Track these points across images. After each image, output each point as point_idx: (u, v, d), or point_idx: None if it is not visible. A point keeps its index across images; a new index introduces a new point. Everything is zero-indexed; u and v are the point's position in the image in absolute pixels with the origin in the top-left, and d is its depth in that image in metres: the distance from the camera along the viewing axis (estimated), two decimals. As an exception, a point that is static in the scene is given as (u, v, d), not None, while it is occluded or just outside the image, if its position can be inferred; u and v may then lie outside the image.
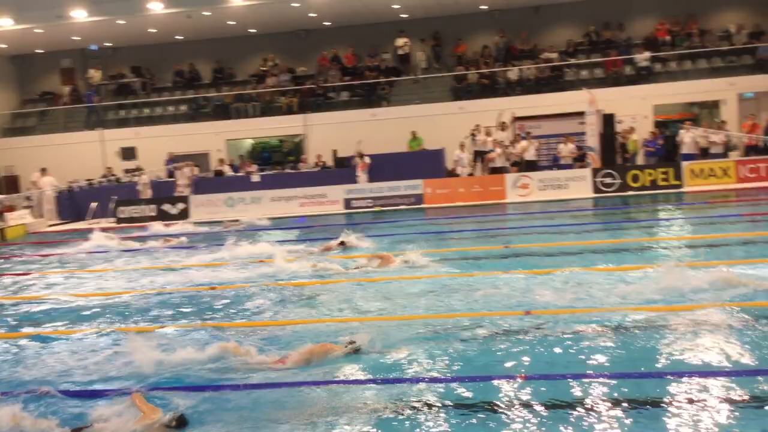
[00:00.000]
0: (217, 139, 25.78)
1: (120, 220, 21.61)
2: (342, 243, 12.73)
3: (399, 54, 27.15)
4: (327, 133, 24.20)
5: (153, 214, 21.55)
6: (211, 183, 23.12)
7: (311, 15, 25.48)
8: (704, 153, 20.58)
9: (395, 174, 20.74)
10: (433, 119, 23.41)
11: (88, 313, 9.45)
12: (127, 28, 25.75)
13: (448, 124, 23.03)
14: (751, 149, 20.32)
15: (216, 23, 25.73)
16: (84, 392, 6.25)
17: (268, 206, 20.88)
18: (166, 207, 21.66)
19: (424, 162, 21.76)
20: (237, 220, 18.81)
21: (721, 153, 20.51)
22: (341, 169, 22.25)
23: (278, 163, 26.34)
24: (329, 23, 26.95)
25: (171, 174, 23.70)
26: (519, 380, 5.84)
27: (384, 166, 21.09)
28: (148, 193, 22.80)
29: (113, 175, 25.15)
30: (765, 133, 19.99)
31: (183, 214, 21.29)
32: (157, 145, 25.16)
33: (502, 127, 22.39)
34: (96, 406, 5.74)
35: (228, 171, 23.99)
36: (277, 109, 26.41)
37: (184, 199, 21.89)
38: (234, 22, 25.94)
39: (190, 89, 28.43)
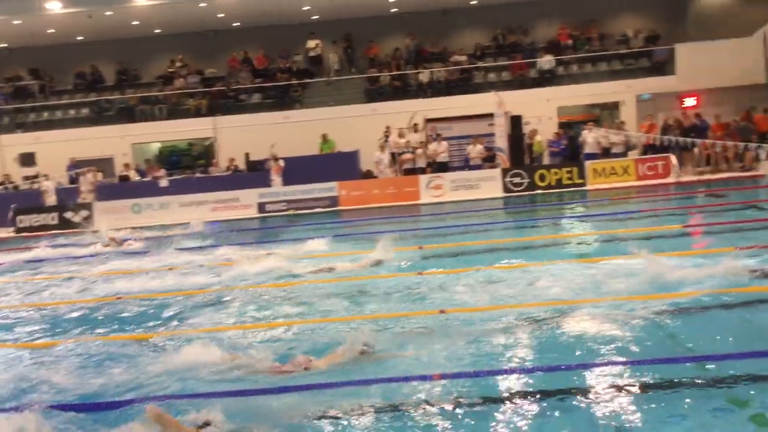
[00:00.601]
0: (122, 143, 24.84)
1: (19, 230, 20.48)
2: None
3: (311, 56, 27.02)
4: (239, 136, 23.75)
5: (55, 222, 20.55)
6: (117, 189, 22.26)
7: (219, 15, 25.00)
8: (606, 152, 21.51)
9: (310, 177, 20.59)
10: (346, 121, 23.40)
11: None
12: (24, 29, 24.50)
13: (361, 125, 23.09)
14: (649, 148, 21.37)
15: (119, 23, 24.82)
16: (90, 405, 5.88)
17: (178, 212, 20.29)
18: (69, 215, 20.69)
19: (338, 164, 21.73)
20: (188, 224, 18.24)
21: (621, 152, 21.50)
22: (254, 173, 21.91)
23: (188, 167, 25.63)
24: (239, 24, 26.51)
25: (73, 180, 22.65)
26: (434, 380, 5.90)
27: (298, 169, 20.90)
28: (51, 201, 21.69)
29: (11, 182, 23.80)
30: (662, 133, 21.04)
31: (86, 222, 20.37)
32: (58, 150, 23.94)
33: (415, 128, 22.67)
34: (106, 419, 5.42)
35: (134, 176, 23.17)
36: (186, 112, 25.74)
37: (87, 206, 20.97)
38: (138, 22, 25.10)
39: (92, 92, 27.30)
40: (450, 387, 5.76)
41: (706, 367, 5.99)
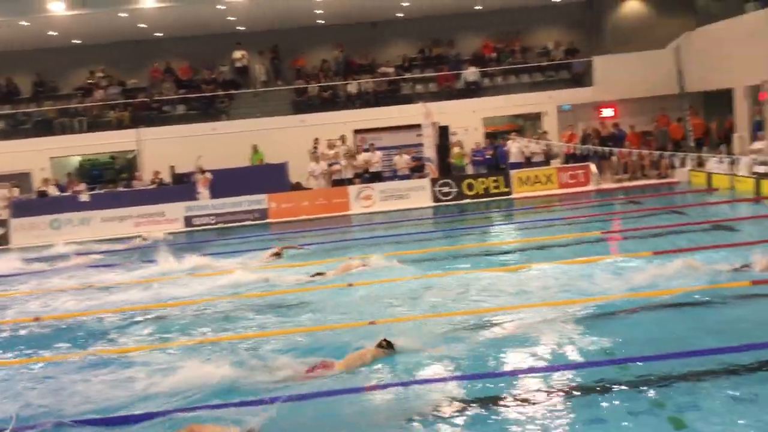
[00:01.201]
0: (40, 156, 23.84)
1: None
2: (277, 254, 12.90)
3: (237, 67, 26.70)
4: (163, 148, 23.16)
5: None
6: (35, 204, 21.34)
7: (141, 25, 24.39)
8: (529, 162, 22.10)
9: (238, 189, 20.31)
10: (274, 132, 23.21)
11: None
12: (-70, 38, 23.26)
13: (289, 137, 22.95)
14: (570, 157, 22.07)
15: (35, 34, 23.87)
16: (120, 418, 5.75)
17: (99, 227, 19.68)
18: (-18, 232, 19.72)
19: (267, 176, 21.52)
20: (139, 236, 17.84)
21: (543, 161, 22.13)
22: (180, 186, 21.44)
23: (110, 181, 24.85)
24: (161, 34, 25.94)
25: (-13, 196, 21.58)
26: (366, 391, 5.90)
27: (226, 182, 20.57)
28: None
29: None
30: (581, 143, 21.77)
31: (2, 240, 19.47)
32: (-30, 165, 22.79)
33: (342, 139, 22.68)
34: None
35: (53, 191, 22.26)
36: (107, 124, 24.97)
37: (2, 223, 20.03)
38: (56, 33, 24.20)
39: (7, 104, 26.11)
40: (382, 396, 5.79)
41: (627, 369, 6.21)
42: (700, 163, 19.61)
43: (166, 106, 25.66)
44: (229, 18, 24.30)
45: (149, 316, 9.42)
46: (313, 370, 6.36)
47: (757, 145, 18.90)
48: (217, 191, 20.49)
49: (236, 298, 10.06)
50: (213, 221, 20.09)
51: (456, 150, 22.55)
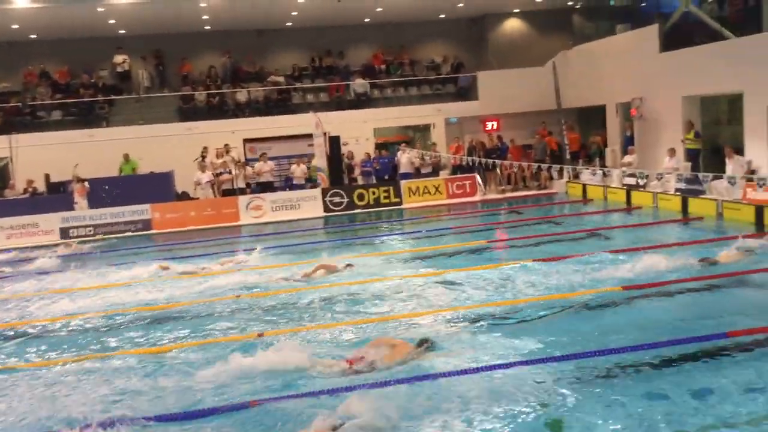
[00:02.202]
0: None
1: None
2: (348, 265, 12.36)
3: (118, 71, 25.61)
4: (38, 155, 21.74)
5: None
6: None
7: (14, 26, 22.90)
8: (418, 172, 22.55)
9: (120, 199, 19.42)
10: (159, 140, 22.40)
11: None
12: None
13: (175, 145, 22.23)
14: (457, 168, 22.71)
15: None
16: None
17: (-35, 240, 18.23)
18: None
19: (151, 185, 20.67)
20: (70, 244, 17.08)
21: (432, 172, 22.66)
22: (56, 195, 20.25)
23: (-21, 190, 23.06)
24: (35, 36, 24.48)
25: None
26: (251, 407, 5.82)
27: (106, 191, 19.63)
28: None
29: None
30: (467, 154, 22.45)
31: None
32: None
33: (227, 148, 22.18)
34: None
35: None
36: (-26, 130, 23.22)
37: None
38: None
39: None
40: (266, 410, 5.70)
41: (510, 373, 6.44)
42: (576, 175, 20.72)
43: (40, 111, 24.19)
44: (110, 21, 23.27)
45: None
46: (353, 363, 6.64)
47: (628, 158, 20.22)
48: (96, 201, 19.51)
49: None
50: (91, 233, 19.10)
51: (310, 165, 22.33)
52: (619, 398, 5.80)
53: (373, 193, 20.98)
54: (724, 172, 15.70)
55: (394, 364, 6.55)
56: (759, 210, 13.63)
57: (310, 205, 20.55)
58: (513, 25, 28.09)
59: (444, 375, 6.31)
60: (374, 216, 19.68)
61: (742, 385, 5.90)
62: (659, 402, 5.71)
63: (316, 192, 20.85)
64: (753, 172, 15.35)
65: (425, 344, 6.94)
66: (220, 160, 21.62)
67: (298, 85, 26.17)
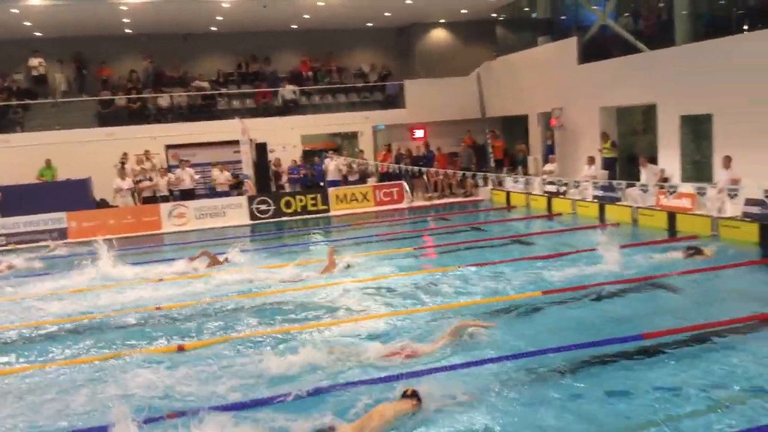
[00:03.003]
0: None
1: None
2: (226, 259, 13.12)
3: (33, 75, 24.56)
4: (-55, 161, 20.64)
5: None
6: None
7: None
8: (346, 180, 22.54)
9: (35, 207, 18.58)
10: (76, 146, 21.55)
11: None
12: None
13: (94, 151, 21.45)
14: (384, 176, 22.81)
15: None
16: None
17: None
18: None
19: (67, 193, 19.84)
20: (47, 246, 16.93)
21: (359, 180, 22.70)
22: (-36, 203, 19.20)
23: None
24: (-58, 36, 23.23)
25: None
26: (167, 419, 5.67)
27: (20, 199, 18.73)
28: None
29: None
30: (395, 162, 22.61)
31: None
32: None
33: (147, 155, 21.62)
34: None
35: None
36: None
37: None
38: None
39: None
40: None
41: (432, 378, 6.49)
42: (500, 183, 21.18)
43: (-52, 115, 22.95)
44: (25, 23, 22.28)
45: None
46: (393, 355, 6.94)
47: (548, 167, 20.80)
48: (9, 209, 18.60)
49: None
50: (3, 242, 18.19)
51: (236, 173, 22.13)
52: (537, 401, 5.92)
53: (301, 200, 20.84)
54: (639, 180, 16.36)
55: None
56: (671, 216, 14.25)
57: (235, 213, 20.22)
58: (439, 35, 28.51)
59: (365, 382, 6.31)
60: (301, 223, 19.52)
61: (658, 384, 6.12)
62: (575, 402, 5.86)
63: (242, 199, 20.53)
64: (665, 180, 16.04)
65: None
66: (140, 167, 21.02)
67: (223, 90, 25.75)
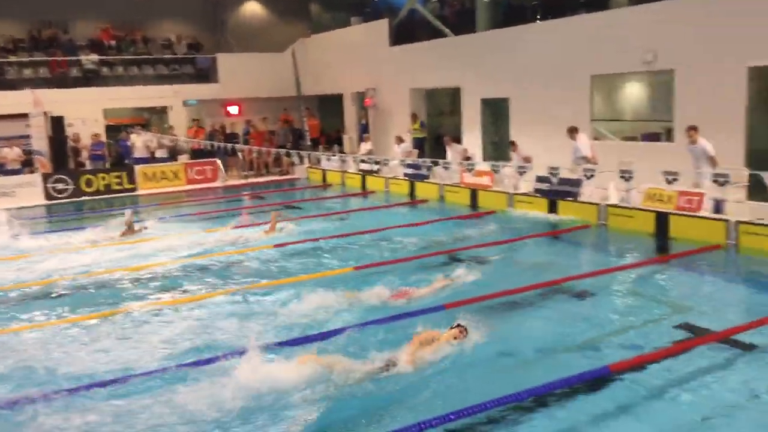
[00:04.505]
0: None
1: None
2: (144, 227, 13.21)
3: None
4: None
5: None
6: None
7: None
8: (154, 156, 21.45)
9: None
10: None
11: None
12: None
13: None
14: (196, 153, 21.99)
15: None
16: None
17: None
18: None
19: None
20: None
21: (169, 157, 21.71)
22: None
23: None
24: None
25: None
26: None
27: None
28: None
29: None
30: (208, 138, 21.88)
31: None
32: None
33: None
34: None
35: None
36: None
37: None
38: None
39: None
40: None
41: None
42: (318, 161, 21.31)
43: None
44: None
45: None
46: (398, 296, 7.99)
47: (363, 146, 21.27)
48: None
49: None
50: None
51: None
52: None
53: (104, 178, 19.52)
54: (446, 159, 17.26)
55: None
56: (473, 193, 15.21)
57: (28, 193, 18.50)
58: (252, 8, 27.91)
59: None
60: (105, 204, 18.28)
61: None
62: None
63: (35, 177, 18.80)
64: (468, 158, 17.07)
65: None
66: None
67: (13, 58, 23.27)
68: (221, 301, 8.33)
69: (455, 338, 6.33)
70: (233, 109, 25.13)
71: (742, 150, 12.26)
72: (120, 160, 21.62)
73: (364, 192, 18.40)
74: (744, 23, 12.11)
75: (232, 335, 7.08)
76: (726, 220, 10.46)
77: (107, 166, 21.22)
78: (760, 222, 10.13)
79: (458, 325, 6.50)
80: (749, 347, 6.39)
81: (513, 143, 15.87)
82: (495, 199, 14.63)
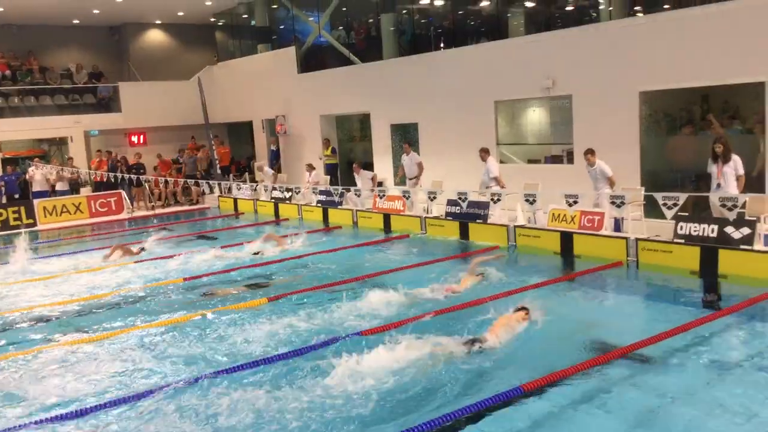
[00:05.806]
0: None
1: None
2: (142, 248, 13.62)
3: None
4: None
5: None
6: None
7: None
8: (54, 190, 20.55)
9: None
10: None
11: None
12: None
13: None
14: (100, 185, 21.20)
15: None
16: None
17: None
18: None
19: None
20: None
21: (69, 190, 20.84)
22: None
23: None
24: None
25: None
26: None
27: None
28: None
29: None
30: (111, 170, 21.13)
31: None
32: None
33: None
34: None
35: None
36: None
37: None
38: None
39: None
40: None
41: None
42: (229, 190, 20.98)
43: None
44: None
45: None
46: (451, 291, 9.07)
47: (265, 173, 21.07)
48: None
49: None
50: None
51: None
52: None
53: (1, 214, 18.49)
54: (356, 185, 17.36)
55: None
56: (386, 217, 15.36)
57: None
58: (156, 36, 27.36)
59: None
60: (2, 241, 17.28)
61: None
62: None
63: None
64: (380, 184, 17.25)
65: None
66: None
67: None
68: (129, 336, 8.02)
69: (523, 319, 7.37)
70: (137, 139, 24.44)
71: (638, 169, 12.98)
72: (16, 194, 20.56)
73: (277, 220, 18.24)
74: (634, 51, 12.90)
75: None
76: (626, 238, 10.99)
77: (3, 201, 20.15)
78: (657, 239, 10.72)
79: (522, 308, 7.53)
80: (651, 360, 6.71)
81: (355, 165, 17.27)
82: (408, 223, 14.82)
